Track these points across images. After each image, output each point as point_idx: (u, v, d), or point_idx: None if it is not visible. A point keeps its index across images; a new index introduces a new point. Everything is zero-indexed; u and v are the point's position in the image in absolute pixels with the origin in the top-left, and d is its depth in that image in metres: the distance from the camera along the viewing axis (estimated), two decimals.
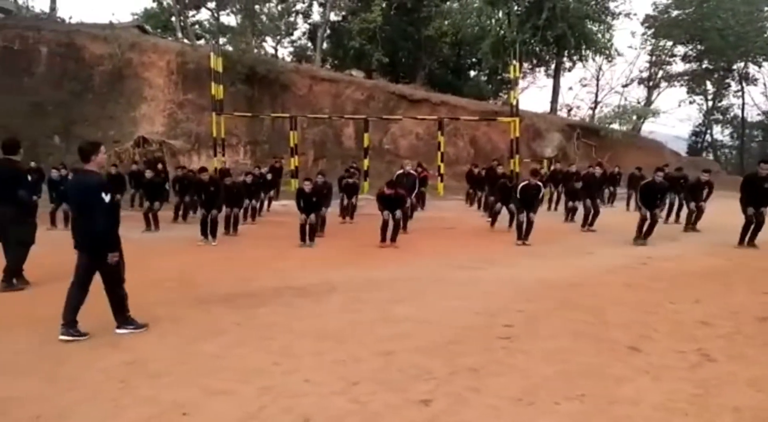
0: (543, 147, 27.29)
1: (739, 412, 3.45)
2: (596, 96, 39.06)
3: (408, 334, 4.94)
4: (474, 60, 36.60)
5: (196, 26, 36.66)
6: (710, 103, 40.87)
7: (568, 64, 34.03)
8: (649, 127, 34.95)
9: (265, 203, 14.94)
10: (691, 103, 40.96)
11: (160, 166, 15.99)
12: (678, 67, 38.76)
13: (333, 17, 34.60)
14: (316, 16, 36.19)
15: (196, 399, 3.60)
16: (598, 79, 38.90)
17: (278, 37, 35.70)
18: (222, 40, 28.79)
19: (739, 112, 40.53)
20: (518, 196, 10.67)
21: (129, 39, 24.19)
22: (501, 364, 4.23)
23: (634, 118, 31.78)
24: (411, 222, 12.19)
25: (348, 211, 13.60)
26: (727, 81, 39.32)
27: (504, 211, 12.10)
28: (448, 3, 34.22)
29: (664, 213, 13.19)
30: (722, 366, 4.22)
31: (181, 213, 13.48)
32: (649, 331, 5.04)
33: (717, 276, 7.61)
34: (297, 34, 38.13)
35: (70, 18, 30.38)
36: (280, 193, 17.25)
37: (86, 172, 4.88)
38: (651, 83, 38.88)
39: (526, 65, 33.20)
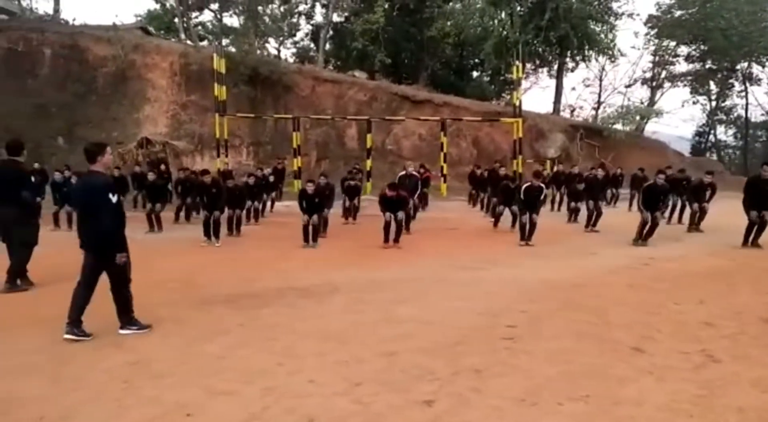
0: (546, 147, 27.24)
1: (743, 413, 3.43)
2: (599, 96, 39.06)
3: (411, 335, 4.93)
4: (477, 61, 36.58)
5: (199, 27, 36.73)
6: (714, 104, 40.82)
7: (570, 65, 33.98)
8: (653, 128, 34.96)
9: (268, 204, 14.96)
10: (694, 103, 40.95)
11: (162, 166, 16.04)
12: (681, 67, 38.76)
13: (336, 18, 34.66)
14: (318, 17, 36.28)
15: (200, 399, 3.60)
16: (601, 80, 38.90)
17: (281, 38, 35.77)
18: (225, 42, 28.92)
19: (742, 113, 40.50)
20: (521, 197, 10.68)
21: (132, 40, 24.27)
22: (504, 365, 4.23)
23: (638, 118, 31.75)
24: (414, 222, 12.20)
25: (350, 212, 13.63)
26: (731, 81, 39.25)
27: (507, 211, 12.13)
28: (450, 4, 34.22)
29: (666, 214, 13.18)
30: (726, 366, 4.21)
31: (183, 214, 13.52)
32: (653, 332, 5.02)
33: (721, 277, 7.58)
34: (300, 35, 38.24)
35: (74, 20, 30.54)
36: (283, 194, 17.29)
37: (93, 172, 4.90)
38: (654, 83, 38.82)
39: (528, 66, 33.17)
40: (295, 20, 35.83)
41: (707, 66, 37.36)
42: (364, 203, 14.92)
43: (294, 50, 39.03)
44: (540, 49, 31.01)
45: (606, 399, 3.61)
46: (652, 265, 8.35)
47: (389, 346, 4.62)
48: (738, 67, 37.31)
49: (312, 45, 37.80)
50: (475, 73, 39.33)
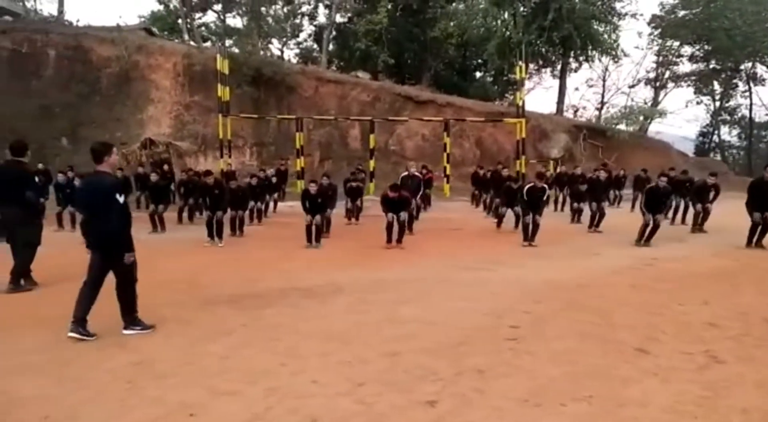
0: (549, 148, 27.22)
1: (747, 414, 3.42)
2: (603, 96, 38.98)
3: (414, 335, 4.93)
4: (480, 61, 36.58)
5: (203, 28, 36.81)
6: (717, 104, 40.69)
7: (574, 65, 33.93)
8: (656, 128, 34.90)
9: (270, 205, 14.99)
10: (698, 103, 40.86)
11: (166, 166, 16.08)
12: (685, 67, 38.69)
13: (339, 19, 34.69)
14: (321, 18, 36.34)
15: (203, 399, 3.60)
16: (604, 80, 38.82)
17: (284, 39, 35.84)
18: (228, 42, 28.98)
19: (746, 113, 40.38)
20: (524, 197, 10.69)
21: (136, 41, 24.31)
22: (507, 365, 4.22)
23: (641, 118, 31.68)
24: (417, 223, 12.20)
25: (353, 213, 13.65)
26: (735, 81, 39.14)
27: (509, 212, 12.14)
28: (453, 4, 34.21)
29: (670, 215, 13.17)
30: (730, 367, 4.20)
31: (186, 214, 13.55)
32: (657, 333, 5.01)
33: (725, 278, 7.56)
34: (303, 35, 38.32)
35: (78, 21, 30.60)
36: (287, 195, 17.30)
37: (99, 173, 4.91)
38: (658, 84, 38.75)
39: (532, 66, 33.18)
40: (298, 21, 35.92)
41: (711, 66, 37.28)
42: (367, 204, 14.93)
43: (297, 51, 39.17)
44: (543, 50, 30.98)
45: (610, 400, 3.60)
46: (655, 266, 8.33)
47: (392, 346, 4.61)
48: (742, 67, 37.21)
49: (315, 46, 37.85)
50: (478, 74, 39.33)
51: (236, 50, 25.60)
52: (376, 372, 4.07)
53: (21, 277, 6.64)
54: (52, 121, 21.84)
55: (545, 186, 10.96)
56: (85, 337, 4.71)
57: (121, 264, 4.81)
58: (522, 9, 29.79)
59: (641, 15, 43.13)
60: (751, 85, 38.52)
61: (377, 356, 4.41)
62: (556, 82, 34.97)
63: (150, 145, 20.87)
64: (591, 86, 39.75)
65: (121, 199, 4.79)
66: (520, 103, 21.94)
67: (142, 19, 36.20)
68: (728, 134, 43.00)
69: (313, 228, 10.14)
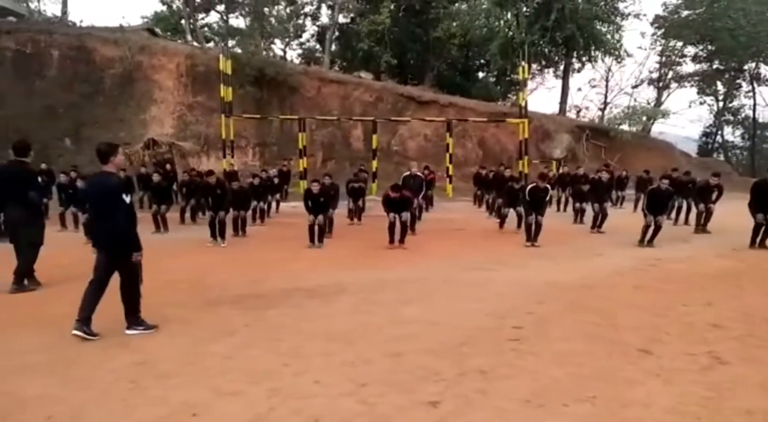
0: (552, 148, 27.17)
1: (751, 415, 3.41)
2: (605, 97, 38.86)
3: (417, 336, 4.93)
4: (482, 61, 36.51)
5: (206, 29, 36.85)
6: (721, 104, 40.53)
7: (577, 65, 33.84)
8: (659, 128, 34.75)
9: (273, 205, 15.00)
10: (701, 103, 40.66)
11: (168, 166, 16.10)
12: (688, 67, 38.52)
13: (341, 19, 34.67)
14: (324, 19, 36.31)
15: (206, 399, 3.61)
16: (607, 80, 38.70)
17: (287, 40, 35.82)
18: (231, 43, 28.95)
19: (750, 113, 40.17)
20: (526, 198, 10.68)
21: (139, 42, 24.36)
22: (510, 366, 4.21)
23: (644, 119, 31.55)
24: (419, 223, 12.19)
25: (355, 213, 13.66)
26: (738, 81, 38.97)
27: (512, 213, 12.13)
28: (456, 4, 34.18)
29: (672, 215, 13.14)
30: (734, 368, 4.18)
31: (189, 215, 13.57)
32: (660, 334, 5.00)
33: (728, 278, 7.54)
34: (306, 36, 38.26)
35: (81, 22, 30.70)
36: (289, 195, 17.32)
37: (105, 173, 4.93)
38: (661, 84, 38.61)
39: (534, 66, 33.09)
40: (301, 21, 35.88)
41: (714, 66, 37.15)
42: (369, 204, 14.93)
43: (300, 51, 39.15)
44: (546, 50, 30.89)
45: (613, 401, 3.59)
46: (658, 266, 8.31)
47: (395, 347, 4.61)
48: (745, 67, 37.05)
49: (318, 46, 37.85)
50: (480, 74, 39.28)
51: (239, 50, 25.60)
52: (378, 373, 4.07)
53: (24, 277, 6.65)
54: (55, 121, 21.91)
55: (548, 186, 10.95)
56: (88, 337, 4.72)
57: (127, 264, 4.84)
58: (525, 9, 29.74)
59: (644, 15, 43.17)
60: (755, 85, 38.40)
61: (380, 356, 4.41)
62: (559, 83, 34.91)
63: (153, 146, 20.92)
64: (594, 86, 39.68)
65: (128, 199, 4.83)
66: (523, 104, 21.91)
67: (145, 20, 36.26)
68: (731, 134, 42.85)
69: (316, 228, 10.14)
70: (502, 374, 4.05)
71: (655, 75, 38.68)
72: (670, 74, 38.55)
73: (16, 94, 21.89)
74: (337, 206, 12.14)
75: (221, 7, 35.16)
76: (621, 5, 31.34)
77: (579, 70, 34.80)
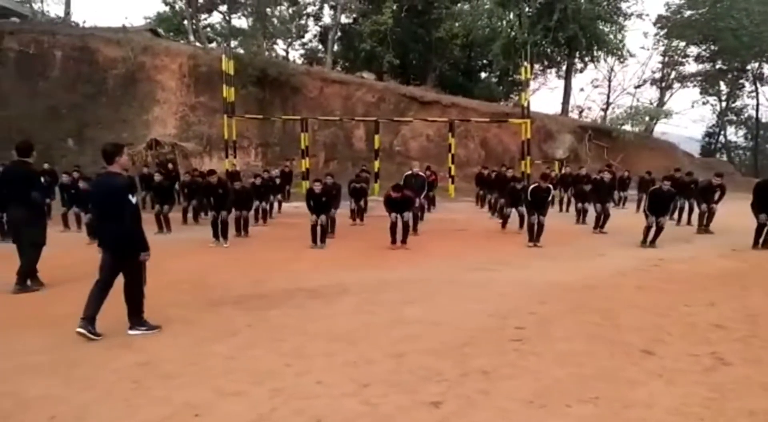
0: (554, 148, 27.16)
1: (754, 416, 3.40)
2: (608, 97, 38.88)
3: (419, 336, 4.93)
4: (485, 61, 36.53)
5: (208, 29, 36.91)
6: (724, 104, 40.48)
7: (579, 66, 33.85)
8: (662, 128, 34.71)
9: (275, 205, 15.01)
10: (704, 103, 40.64)
11: (170, 166, 16.13)
12: (691, 67, 38.49)
13: (344, 20, 34.70)
14: (326, 19, 36.36)
15: (209, 400, 3.61)
16: (609, 80, 38.72)
17: (289, 40, 35.88)
18: (233, 43, 28.99)
19: (753, 113, 40.12)
20: (528, 198, 10.68)
21: (142, 42, 24.44)
22: (513, 366, 4.21)
23: (647, 119, 31.51)
24: (421, 223, 12.19)
25: (357, 213, 13.66)
26: (741, 81, 38.93)
27: (514, 213, 12.12)
28: (458, 5, 34.20)
29: (675, 216, 13.12)
30: (737, 369, 4.17)
31: (191, 215, 13.59)
32: (663, 334, 4.99)
33: (731, 279, 7.52)
34: (308, 36, 38.32)
35: (84, 22, 30.82)
36: (292, 195, 17.33)
37: (111, 173, 4.94)
38: (663, 84, 38.56)
39: (537, 66, 33.06)
40: (303, 22, 35.95)
41: (717, 66, 37.08)
42: (371, 204, 14.94)
43: (302, 52, 39.20)
44: (548, 50, 30.91)
45: (615, 401, 3.58)
46: (661, 267, 8.30)
47: (398, 347, 4.61)
48: (748, 67, 37.00)
49: (320, 46, 37.89)
50: (483, 74, 39.29)
51: (241, 51, 25.66)
52: (381, 373, 4.07)
53: (27, 278, 6.67)
54: (58, 121, 21.98)
55: (550, 186, 10.93)
56: (92, 336, 4.73)
57: (132, 264, 4.86)
58: (527, 9, 29.72)
59: (647, 15, 42.97)
60: (758, 85, 38.37)
61: (382, 357, 4.40)
62: (562, 83, 34.92)
63: (155, 146, 20.94)
64: (596, 87, 39.73)
65: (134, 200, 4.84)
66: (525, 104, 21.90)
67: (148, 21, 36.35)
68: (734, 135, 42.80)
69: (318, 228, 10.15)
70: (504, 374, 4.05)
71: (657, 75, 38.70)
72: (673, 74, 38.54)
73: (20, 94, 21.97)
74: (339, 206, 12.14)
75: (224, 8, 35.24)
76: (624, 5, 31.39)
77: (581, 71, 34.88)
